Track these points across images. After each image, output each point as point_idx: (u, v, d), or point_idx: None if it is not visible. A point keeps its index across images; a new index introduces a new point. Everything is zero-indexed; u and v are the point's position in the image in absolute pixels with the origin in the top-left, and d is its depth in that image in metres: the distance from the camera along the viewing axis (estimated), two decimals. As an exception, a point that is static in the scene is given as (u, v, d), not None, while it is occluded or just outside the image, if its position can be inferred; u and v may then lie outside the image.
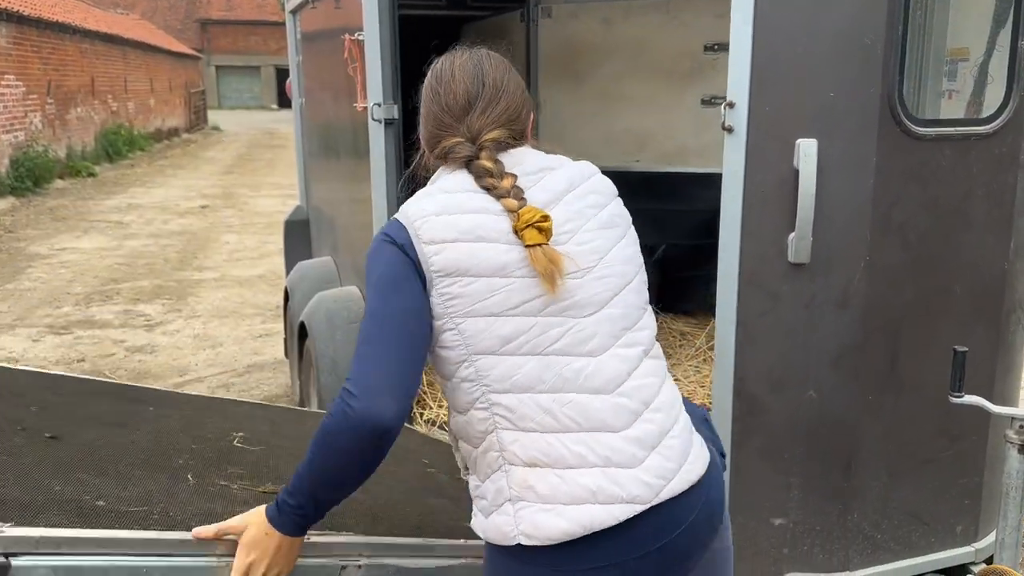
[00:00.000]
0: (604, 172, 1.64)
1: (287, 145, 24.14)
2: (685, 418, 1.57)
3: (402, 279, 1.45)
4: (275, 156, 21.58)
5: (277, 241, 10.56)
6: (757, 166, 2.16)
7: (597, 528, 1.42)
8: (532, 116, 1.63)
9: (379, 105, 3.19)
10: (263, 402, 2.79)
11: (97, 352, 6.31)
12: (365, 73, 3.28)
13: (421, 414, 3.49)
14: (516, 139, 1.58)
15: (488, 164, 1.51)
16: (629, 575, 1.45)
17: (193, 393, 2.67)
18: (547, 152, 1.61)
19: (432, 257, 1.45)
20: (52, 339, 6.66)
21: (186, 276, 8.78)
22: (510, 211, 1.47)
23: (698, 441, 1.57)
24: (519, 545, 1.44)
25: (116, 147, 19.43)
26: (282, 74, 44.37)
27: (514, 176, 1.52)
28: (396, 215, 1.53)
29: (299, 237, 5.73)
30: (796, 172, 2.12)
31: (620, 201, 1.63)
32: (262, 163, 19.98)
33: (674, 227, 4.59)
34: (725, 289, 2.24)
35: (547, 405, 1.46)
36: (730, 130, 2.17)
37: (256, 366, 6.02)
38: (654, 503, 1.45)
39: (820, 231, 2.15)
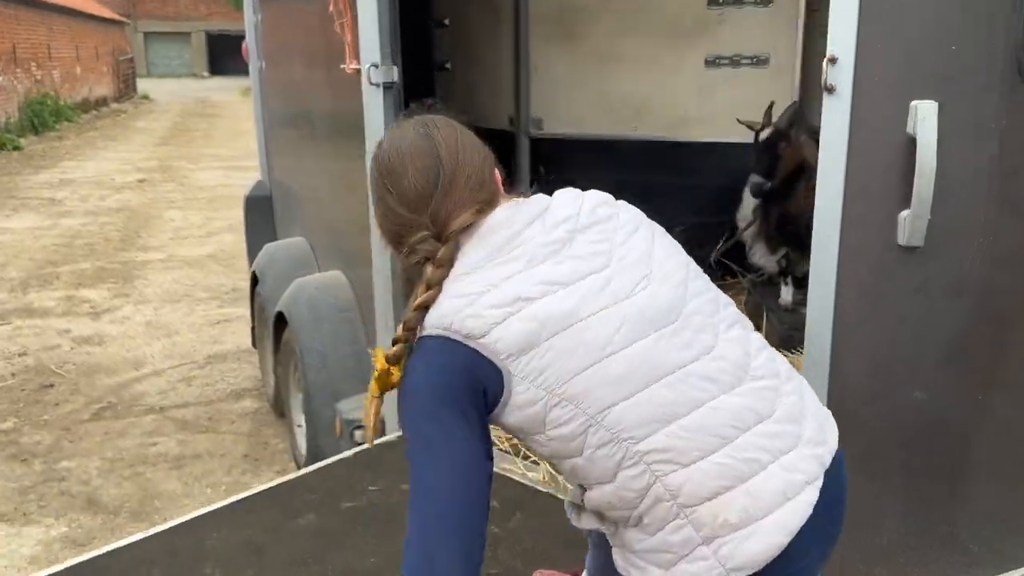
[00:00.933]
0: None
1: (222, 114, 23.17)
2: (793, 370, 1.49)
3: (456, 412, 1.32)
4: (211, 126, 20.63)
5: (224, 217, 9.99)
6: (863, 131, 1.84)
7: (799, 525, 1.31)
8: (495, 171, 1.48)
9: (376, 67, 2.78)
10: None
11: (40, 344, 5.76)
12: (357, 30, 2.87)
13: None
14: (488, 205, 1.42)
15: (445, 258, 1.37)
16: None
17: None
18: (519, 199, 1.47)
19: (496, 344, 1.30)
20: (-13, 331, 6.08)
21: (130, 257, 8.19)
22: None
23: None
24: None
25: (42, 118, 18.32)
26: (214, 40, 42.97)
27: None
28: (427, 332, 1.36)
29: (262, 215, 5.26)
30: (910, 139, 1.80)
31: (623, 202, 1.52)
32: (198, 134, 19.07)
33: (677, 203, 4.26)
34: (821, 275, 1.93)
35: (698, 423, 1.31)
36: (831, 90, 1.84)
37: (217, 356, 5.56)
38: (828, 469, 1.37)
39: (934, 207, 1.84)
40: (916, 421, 1.97)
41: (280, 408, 4.28)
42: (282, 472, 3.76)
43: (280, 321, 3.85)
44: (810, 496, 1.33)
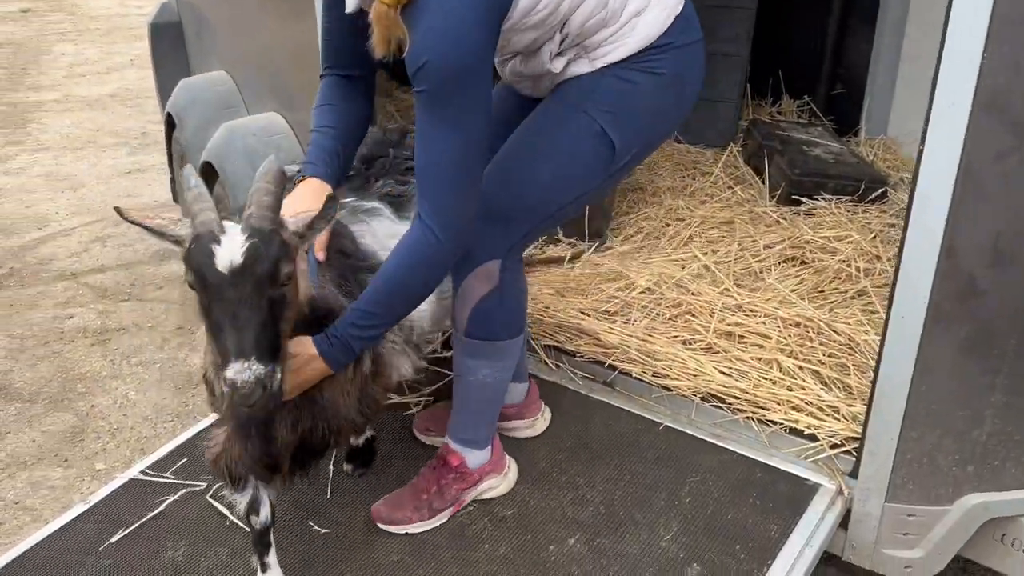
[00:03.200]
0: None
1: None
2: None
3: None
4: (100, -53, 18.45)
5: (124, 51, 8.91)
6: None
7: None
8: None
9: None
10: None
11: (-80, 201, 5.00)
12: None
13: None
14: None
15: None
16: None
17: None
18: None
19: None
20: None
21: (20, 98, 7.21)
22: None
23: None
24: None
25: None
26: None
27: None
28: None
29: (171, 45, 4.49)
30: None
31: None
32: (85, -44, 17.03)
33: None
34: (943, 114, 1.49)
35: None
36: None
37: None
38: None
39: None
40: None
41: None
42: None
43: (209, 172, 3.26)
44: None
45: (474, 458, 1.93)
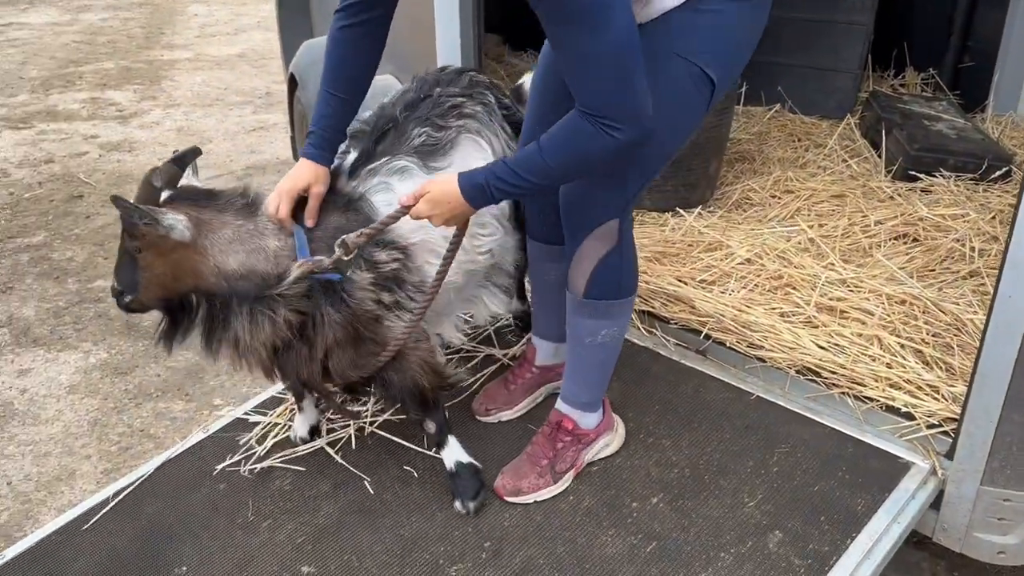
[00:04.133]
0: None
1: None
2: None
3: None
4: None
5: (254, 13, 9.27)
6: None
7: None
8: None
9: None
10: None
11: (66, 151, 5.39)
12: None
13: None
14: None
15: None
16: None
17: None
18: None
19: None
20: (11, 135, 5.70)
21: (155, 56, 7.63)
22: None
23: None
24: None
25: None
26: None
27: None
28: None
29: (296, 8, 4.66)
30: None
31: None
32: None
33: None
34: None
35: None
36: None
37: (256, 167, 5.15)
38: None
39: None
40: None
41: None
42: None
43: (292, 83, 3.41)
44: None
45: (588, 419, 1.95)
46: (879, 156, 3.25)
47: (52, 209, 4.53)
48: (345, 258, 1.61)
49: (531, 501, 1.90)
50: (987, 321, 1.69)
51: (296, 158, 4.34)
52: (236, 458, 2.07)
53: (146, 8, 9.53)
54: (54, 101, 6.38)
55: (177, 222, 1.57)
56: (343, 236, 1.62)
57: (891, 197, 2.94)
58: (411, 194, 1.61)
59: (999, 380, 1.69)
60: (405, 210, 1.62)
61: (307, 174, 1.70)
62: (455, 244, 1.74)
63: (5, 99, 6.45)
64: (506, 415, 2.12)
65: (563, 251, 1.83)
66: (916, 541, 2.02)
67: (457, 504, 1.88)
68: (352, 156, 1.80)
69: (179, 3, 9.88)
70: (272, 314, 1.63)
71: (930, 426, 1.96)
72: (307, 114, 3.85)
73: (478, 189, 1.53)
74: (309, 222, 1.69)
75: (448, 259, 1.74)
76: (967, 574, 2.21)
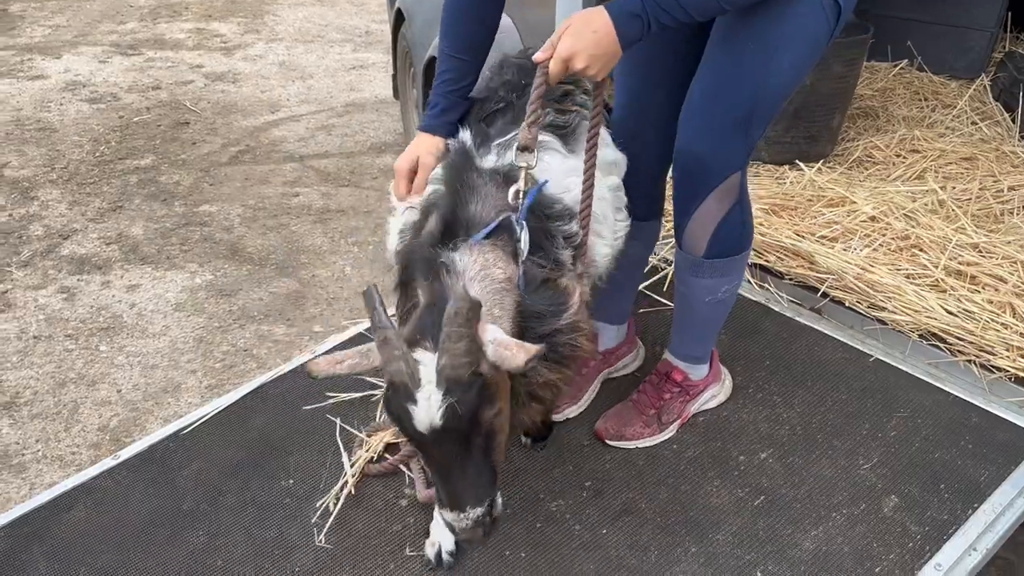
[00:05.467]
0: None
1: None
2: None
3: None
4: None
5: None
6: None
7: None
8: None
9: None
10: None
11: (173, 78, 5.49)
12: None
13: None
14: None
15: None
16: None
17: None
18: None
19: None
20: (120, 60, 5.84)
21: (260, -10, 7.70)
22: None
23: None
24: None
25: None
26: None
27: None
28: None
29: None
30: None
31: None
32: None
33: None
34: None
35: None
36: None
37: (355, 105, 5.17)
38: None
39: None
40: None
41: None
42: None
43: (399, 18, 3.40)
44: None
45: (698, 371, 1.92)
46: (1013, 121, 3.06)
47: (160, 134, 4.64)
48: (530, 166, 1.43)
49: (633, 447, 1.88)
50: None
51: (396, 96, 4.35)
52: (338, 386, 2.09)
53: (251, -57, 9.62)
54: (161, 30, 6.51)
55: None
56: (515, 143, 1.44)
57: (1026, 163, 2.77)
58: (545, 46, 1.44)
59: None
60: (544, 69, 1.43)
61: (419, 147, 1.60)
62: (595, 115, 1.53)
63: (115, 26, 6.61)
64: (572, 411, 2.01)
65: (642, 227, 1.76)
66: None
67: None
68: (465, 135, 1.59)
69: (282, -60, 9.93)
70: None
71: (1065, 401, 1.85)
72: (411, 50, 3.82)
73: (632, 18, 1.39)
74: (414, 198, 1.56)
75: (591, 152, 1.53)
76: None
